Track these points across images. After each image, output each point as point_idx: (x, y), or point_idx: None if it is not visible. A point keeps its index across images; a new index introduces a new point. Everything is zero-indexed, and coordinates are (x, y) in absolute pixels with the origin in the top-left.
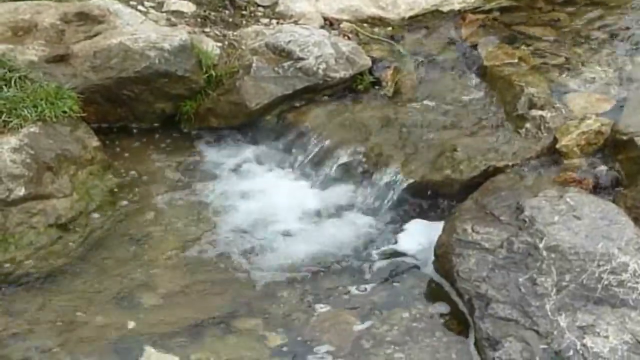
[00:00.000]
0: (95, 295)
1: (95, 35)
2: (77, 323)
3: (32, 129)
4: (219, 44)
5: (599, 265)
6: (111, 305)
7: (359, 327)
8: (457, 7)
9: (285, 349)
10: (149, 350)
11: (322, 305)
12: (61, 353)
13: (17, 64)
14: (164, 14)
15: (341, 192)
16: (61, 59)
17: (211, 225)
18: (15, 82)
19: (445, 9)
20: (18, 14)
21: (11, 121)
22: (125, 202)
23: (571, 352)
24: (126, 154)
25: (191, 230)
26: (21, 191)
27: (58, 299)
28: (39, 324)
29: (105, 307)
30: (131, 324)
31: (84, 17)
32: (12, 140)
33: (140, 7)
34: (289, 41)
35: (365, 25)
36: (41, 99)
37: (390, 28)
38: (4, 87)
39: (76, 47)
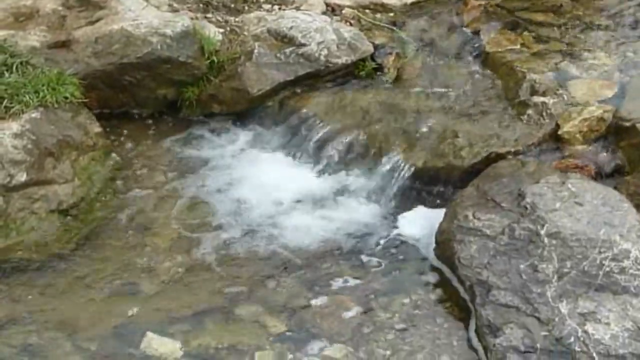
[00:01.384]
0: (96, 281)
1: (96, 21)
2: (78, 309)
3: (33, 115)
4: (221, 30)
5: (600, 252)
6: (112, 291)
7: (359, 313)
8: None
9: (286, 335)
10: (150, 335)
11: (322, 292)
12: (62, 339)
13: (18, 50)
14: (166, 0)
15: (343, 178)
16: (63, 44)
17: (212, 211)
18: (16, 67)
19: None
20: (20, 0)
21: (13, 107)
22: (126, 188)
23: (572, 339)
24: (128, 140)
25: (192, 216)
26: (23, 177)
27: (58, 285)
28: (40, 309)
29: (106, 294)
30: (132, 310)
31: (86, 3)
32: (14, 126)
33: None
34: (291, 27)
35: (367, 11)
36: (43, 85)
37: (392, 14)
38: (5, 72)
39: (78, 32)
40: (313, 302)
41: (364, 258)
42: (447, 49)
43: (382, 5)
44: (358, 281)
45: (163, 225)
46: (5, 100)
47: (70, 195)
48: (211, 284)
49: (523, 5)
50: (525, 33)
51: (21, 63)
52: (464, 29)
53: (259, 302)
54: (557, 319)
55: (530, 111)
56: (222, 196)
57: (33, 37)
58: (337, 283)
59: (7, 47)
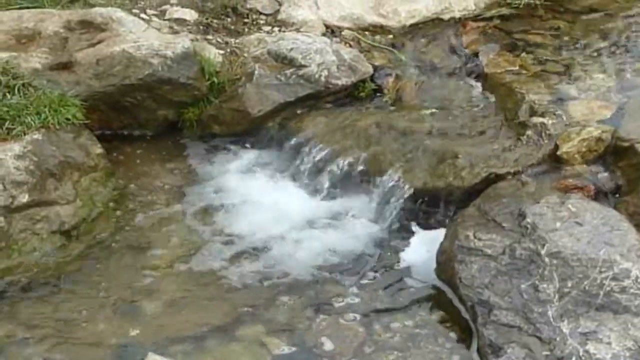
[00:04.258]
0: (98, 302)
1: (98, 43)
2: (80, 330)
3: (35, 136)
4: (222, 52)
5: (600, 272)
6: (114, 312)
7: (361, 333)
8: (457, 15)
9: (287, 355)
10: (152, 356)
11: (323, 312)
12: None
13: (20, 72)
14: (167, 22)
15: (343, 199)
16: (64, 66)
17: (213, 232)
18: (18, 89)
19: (446, 16)
20: (22, 22)
21: (15, 128)
22: (128, 209)
23: (573, 359)
24: (129, 161)
25: (193, 237)
26: (25, 198)
27: (60, 306)
28: (41, 330)
29: (107, 314)
30: (133, 331)
31: (87, 25)
32: (16, 147)
33: (142, 15)
34: (291, 49)
35: (366, 33)
36: (44, 106)
37: (391, 36)
38: (7, 94)
39: (79, 54)
40: (314, 322)
41: (365, 279)
42: (446, 70)
43: (381, 27)
44: (359, 301)
45: (164, 246)
46: (7, 122)
47: (72, 216)
48: (212, 304)
49: (521, 27)
50: (524, 54)
51: (23, 85)
52: (463, 50)
53: (260, 323)
54: (558, 339)
55: (529, 132)
56: (222, 217)
57: (35, 59)
58: (339, 304)
59: (10, 69)
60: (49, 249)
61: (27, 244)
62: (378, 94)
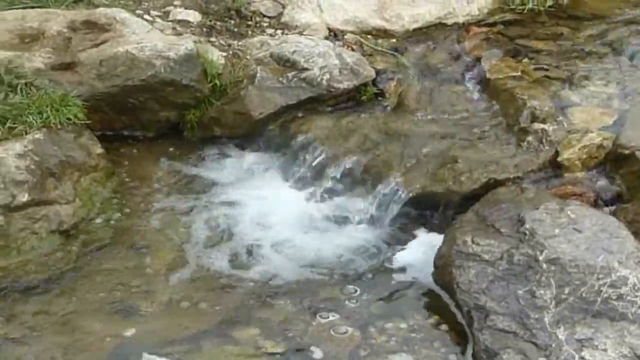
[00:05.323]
0: (95, 302)
1: (101, 44)
2: (76, 329)
3: (36, 136)
4: (224, 54)
5: (598, 279)
6: (110, 312)
7: (356, 337)
8: (461, 20)
9: (282, 357)
10: (147, 357)
11: (320, 315)
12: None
13: (23, 71)
14: (170, 23)
15: (341, 203)
16: (67, 66)
17: (211, 233)
18: (21, 89)
19: (449, 21)
20: (26, 22)
21: (16, 127)
22: (127, 210)
23: None
24: (130, 162)
25: (192, 239)
26: (24, 197)
27: (57, 306)
28: (38, 329)
29: (104, 315)
30: (130, 332)
31: (91, 26)
32: (17, 146)
33: (146, 16)
34: (294, 51)
35: (369, 37)
36: (46, 106)
37: (394, 40)
38: (10, 93)
39: (82, 55)
40: (310, 325)
41: (362, 282)
42: (448, 76)
43: (385, 31)
44: (355, 305)
45: (162, 246)
46: (9, 121)
47: (71, 216)
48: (209, 306)
49: (524, 33)
50: (526, 60)
51: (25, 84)
52: (466, 55)
53: (256, 325)
54: (554, 345)
55: (530, 138)
56: (221, 219)
57: (38, 59)
58: (335, 307)
59: (13, 68)
60: (48, 248)
61: (26, 242)
62: (380, 98)
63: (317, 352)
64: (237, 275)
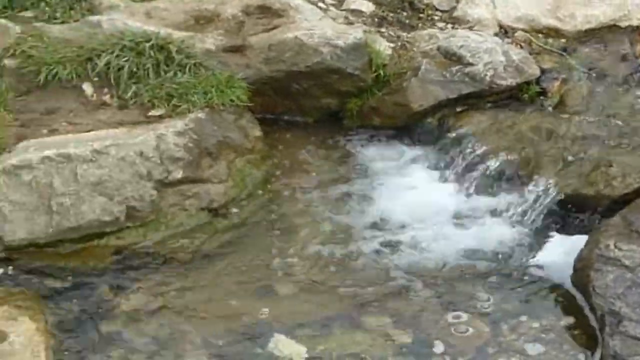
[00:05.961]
0: (234, 280)
1: (273, 29)
2: (212, 306)
3: (199, 115)
4: (392, 45)
5: None
6: (248, 291)
7: (485, 333)
8: (635, 23)
9: (409, 348)
10: (278, 337)
11: (453, 309)
12: (192, 333)
13: (194, 52)
14: (343, 12)
15: (490, 199)
16: (237, 49)
17: (356, 220)
18: (189, 68)
19: (623, 24)
20: (203, 4)
21: (180, 106)
22: (277, 192)
23: None
24: (285, 146)
25: (335, 225)
26: (179, 174)
27: (197, 281)
28: (176, 303)
29: (242, 293)
30: (264, 311)
31: (266, 10)
32: (179, 124)
33: (320, 4)
34: (461, 46)
35: (539, 35)
36: (212, 87)
37: (564, 40)
38: (178, 72)
39: (253, 38)
40: (441, 318)
41: (499, 278)
42: (615, 78)
43: (556, 30)
44: (490, 301)
45: (306, 231)
46: (174, 99)
47: (222, 195)
48: (344, 290)
49: None
50: None
51: (194, 64)
52: (636, 59)
53: (388, 313)
54: None
55: None
56: (368, 206)
57: (210, 40)
58: (469, 301)
59: (184, 48)
60: (196, 225)
61: (175, 218)
62: (542, 97)
63: (444, 346)
64: (377, 263)
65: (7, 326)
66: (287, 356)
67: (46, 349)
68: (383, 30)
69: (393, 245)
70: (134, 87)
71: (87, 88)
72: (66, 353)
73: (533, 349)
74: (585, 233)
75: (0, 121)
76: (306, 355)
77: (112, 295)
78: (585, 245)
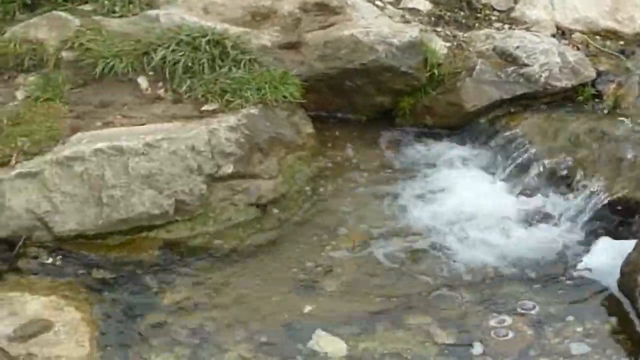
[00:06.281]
0: (278, 276)
1: (329, 26)
2: (256, 301)
3: (251, 110)
4: (448, 44)
5: None
6: (293, 287)
7: (529, 336)
8: None
9: (451, 349)
10: (320, 333)
11: (496, 310)
12: (235, 326)
13: (249, 47)
14: (400, 11)
15: (539, 201)
16: (292, 46)
17: (403, 220)
18: (244, 64)
19: None
20: (260, 0)
21: (234, 101)
22: (326, 189)
23: None
24: (338, 143)
25: (383, 223)
26: (229, 169)
27: (243, 276)
28: (220, 297)
29: (286, 289)
30: (307, 308)
31: (323, 8)
32: (231, 119)
33: (378, 2)
34: (517, 47)
35: (597, 37)
36: (265, 83)
37: (622, 42)
38: (233, 68)
39: (309, 35)
40: (484, 319)
41: (545, 282)
42: None
43: (614, 32)
44: (534, 304)
45: (353, 228)
46: (228, 94)
47: (271, 191)
48: (387, 289)
49: None
50: None
51: (249, 60)
52: None
53: (431, 313)
54: None
55: None
56: (417, 206)
57: (266, 37)
58: (513, 304)
59: (240, 44)
60: (244, 220)
61: (224, 213)
62: (597, 100)
63: (487, 347)
64: (422, 263)
65: (53, 316)
66: (328, 353)
67: (90, 339)
68: (439, 29)
69: (438, 245)
70: (188, 82)
71: (142, 82)
72: (110, 343)
73: (576, 353)
74: (634, 237)
75: (56, 113)
76: (346, 353)
77: (158, 287)
78: (634, 250)
